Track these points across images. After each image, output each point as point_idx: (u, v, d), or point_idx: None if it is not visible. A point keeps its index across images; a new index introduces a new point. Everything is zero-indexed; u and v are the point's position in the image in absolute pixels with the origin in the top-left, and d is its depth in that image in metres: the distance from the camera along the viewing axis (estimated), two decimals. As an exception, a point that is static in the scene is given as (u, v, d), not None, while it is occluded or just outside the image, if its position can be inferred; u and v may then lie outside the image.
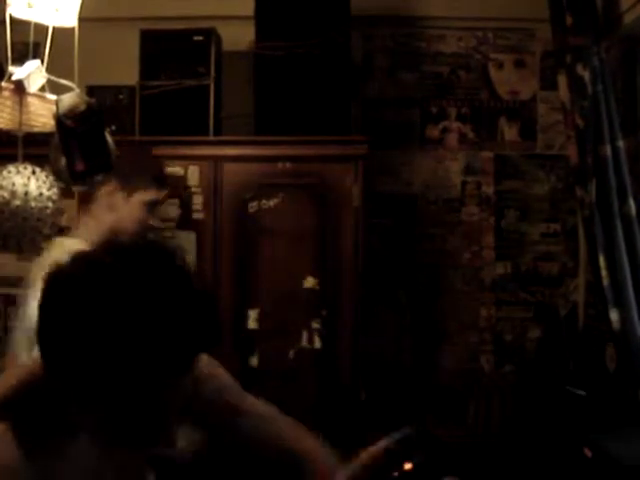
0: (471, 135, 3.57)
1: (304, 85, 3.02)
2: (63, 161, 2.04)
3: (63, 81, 2.08)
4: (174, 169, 3.03)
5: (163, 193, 2.41)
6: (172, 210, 3.03)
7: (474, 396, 3.46)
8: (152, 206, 2.36)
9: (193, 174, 3.04)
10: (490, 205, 3.55)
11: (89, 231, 2.26)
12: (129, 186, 2.32)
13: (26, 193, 1.95)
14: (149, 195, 2.34)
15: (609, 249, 2.65)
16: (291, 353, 2.98)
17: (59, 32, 2.16)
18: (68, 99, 2.02)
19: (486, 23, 3.53)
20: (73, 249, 1.22)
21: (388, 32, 3.57)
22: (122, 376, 0.98)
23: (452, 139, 3.57)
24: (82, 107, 2.02)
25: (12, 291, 3.06)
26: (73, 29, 2.13)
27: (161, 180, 2.43)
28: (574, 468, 2.48)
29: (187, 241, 3.02)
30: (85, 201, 2.36)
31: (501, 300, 3.53)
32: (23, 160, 2.04)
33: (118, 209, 2.32)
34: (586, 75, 2.68)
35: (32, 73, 2.05)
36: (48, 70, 2.11)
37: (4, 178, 1.97)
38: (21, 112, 2.02)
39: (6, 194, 1.94)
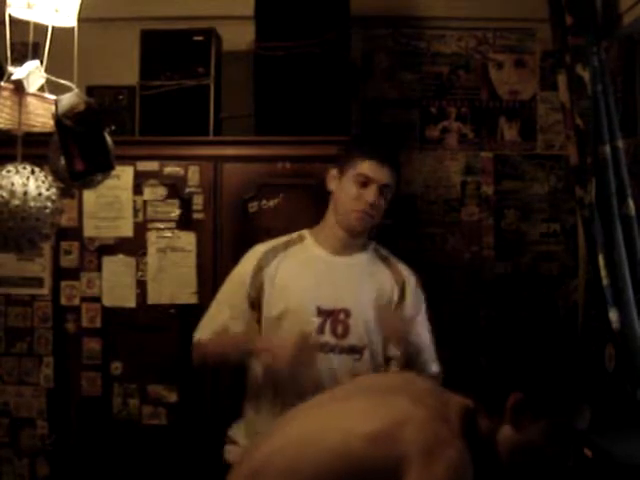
0: (471, 135, 3.56)
1: (304, 85, 3.02)
2: (62, 161, 2.05)
3: (62, 81, 2.08)
4: (174, 169, 3.04)
5: (377, 168, 2.27)
6: (172, 210, 3.03)
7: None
8: (363, 182, 2.27)
9: (193, 174, 3.04)
10: (490, 205, 3.55)
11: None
12: (340, 165, 2.33)
13: (25, 193, 1.95)
14: (358, 169, 2.27)
15: (608, 249, 2.65)
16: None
17: (59, 32, 2.16)
18: (67, 99, 2.02)
19: (486, 23, 3.52)
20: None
21: (388, 32, 3.57)
22: None
23: (452, 139, 3.56)
24: (81, 107, 2.02)
25: (12, 291, 3.07)
26: (73, 29, 2.13)
27: (374, 152, 2.29)
28: (574, 468, 2.48)
29: (187, 241, 3.02)
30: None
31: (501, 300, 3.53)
32: (22, 160, 2.04)
33: (334, 191, 2.35)
34: (586, 75, 2.67)
35: (31, 73, 2.05)
36: (47, 70, 2.11)
37: (3, 178, 1.97)
38: (20, 112, 2.03)
39: (5, 194, 1.94)
